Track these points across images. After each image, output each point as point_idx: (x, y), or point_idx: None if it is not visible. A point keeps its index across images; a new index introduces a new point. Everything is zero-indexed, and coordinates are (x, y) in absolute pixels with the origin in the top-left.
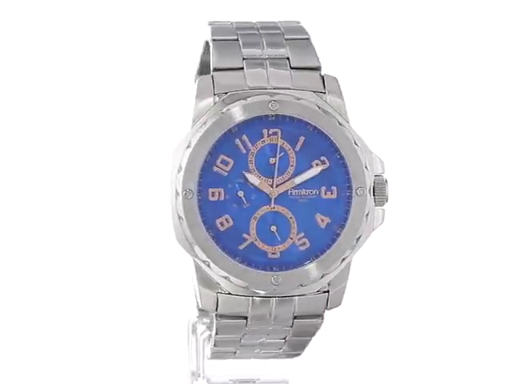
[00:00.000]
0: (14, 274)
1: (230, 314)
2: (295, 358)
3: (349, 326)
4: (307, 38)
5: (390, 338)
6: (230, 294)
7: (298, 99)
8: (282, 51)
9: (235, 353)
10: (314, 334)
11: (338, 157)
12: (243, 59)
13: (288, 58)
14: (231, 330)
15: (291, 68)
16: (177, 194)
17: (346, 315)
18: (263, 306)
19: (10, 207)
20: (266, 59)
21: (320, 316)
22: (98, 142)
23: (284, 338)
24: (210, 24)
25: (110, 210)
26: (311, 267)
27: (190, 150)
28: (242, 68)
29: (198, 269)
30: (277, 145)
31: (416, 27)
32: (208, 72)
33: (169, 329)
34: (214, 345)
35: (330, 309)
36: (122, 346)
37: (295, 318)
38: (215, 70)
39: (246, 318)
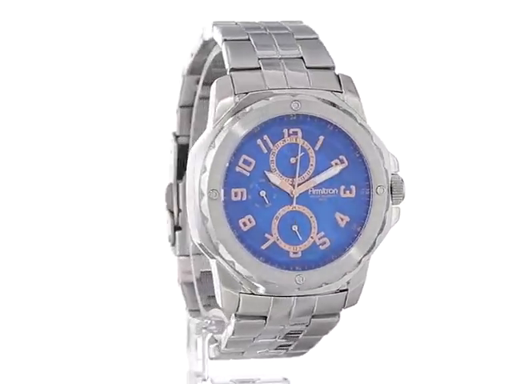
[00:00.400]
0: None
1: (251, 314)
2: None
3: (348, 325)
4: (316, 38)
5: (391, 338)
6: (252, 293)
7: (318, 99)
8: (295, 51)
9: (243, 353)
10: (327, 332)
11: (358, 156)
12: (259, 59)
13: (302, 58)
14: (249, 330)
15: (307, 68)
16: (202, 194)
17: (345, 315)
18: (284, 306)
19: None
20: (280, 59)
21: (337, 314)
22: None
23: (297, 337)
24: (216, 24)
25: (108, 209)
26: (333, 266)
27: (214, 150)
28: (259, 68)
29: (220, 269)
30: (297, 144)
31: (411, 24)
32: (199, 72)
33: (163, 330)
34: (226, 346)
35: (346, 307)
36: (119, 347)
37: (313, 316)
38: (232, 70)
39: (265, 317)
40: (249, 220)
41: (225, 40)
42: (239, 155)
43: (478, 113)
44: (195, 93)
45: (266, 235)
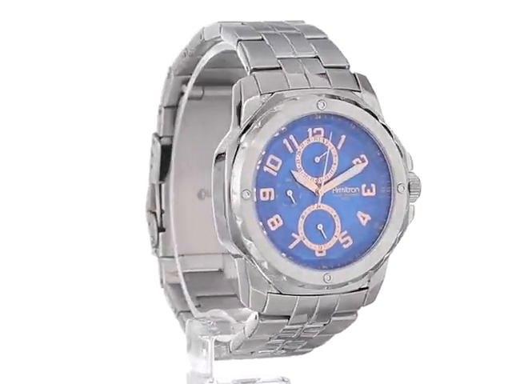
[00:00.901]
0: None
1: (276, 313)
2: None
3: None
4: (326, 38)
5: (391, 337)
6: (279, 293)
7: (341, 98)
8: (310, 51)
9: (252, 353)
10: (342, 331)
11: (379, 154)
12: (278, 59)
13: (318, 58)
14: (269, 329)
15: (325, 68)
16: (233, 194)
17: None
18: (309, 305)
19: None
20: (298, 59)
21: (355, 312)
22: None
23: (311, 337)
24: (223, 24)
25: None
26: (357, 265)
27: (245, 150)
28: (280, 68)
29: (249, 269)
30: (321, 143)
31: (405, 23)
32: (190, 72)
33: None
34: (240, 346)
35: (365, 305)
36: (117, 349)
37: (334, 315)
38: (254, 70)
39: (288, 317)
40: (277, 220)
41: (240, 40)
42: (267, 155)
43: (479, 111)
44: (181, 93)
45: (293, 234)
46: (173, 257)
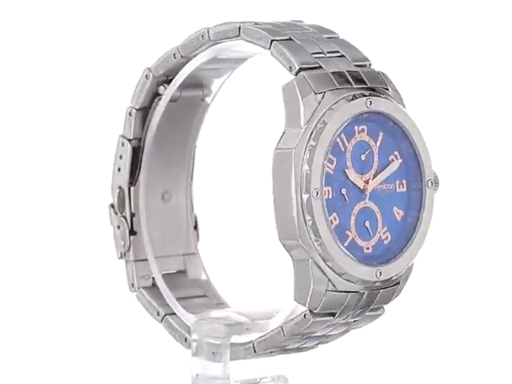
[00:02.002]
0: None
1: (328, 311)
2: (293, 357)
3: None
4: (338, 36)
5: (391, 337)
6: (335, 291)
7: (381, 96)
8: (335, 50)
9: (271, 352)
10: (363, 326)
11: (411, 151)
12: (315, 58)
13: (344, 56)
14: (315, 327)
15: (354, 66)
16: (305, 193)
17: None
18: (355, 301)
19: None
20: (329, 58)
21: (382, 307)
22: None
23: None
24: (241, 23)
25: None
26: (400, 260)
27: (315, 149)
28: (320, 66)
29: (313, 268)
30: (365, 141)
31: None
32: (175, 74)
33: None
34: (272, 347)
35: (393, 300)
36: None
37: (370, 310)
38: (301, 69)
39: (334, 314)
40: (334, 218)
41: (274, 40)
42: (327, 154)
43: (479, 111)
44: (155, 94)
45: (347, 232)
46: (145, 260)
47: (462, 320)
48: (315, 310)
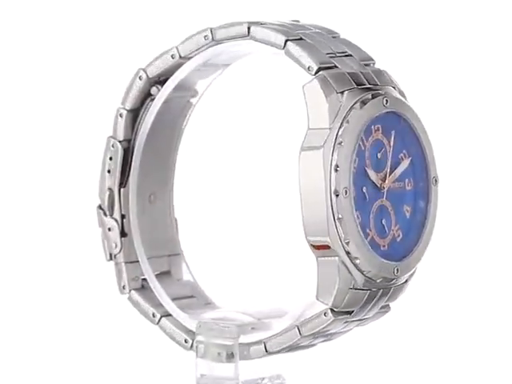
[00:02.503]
0: None
1: (348, 309)
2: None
3: None
4: (339, 35)
5: (389, 337)
6: (357, 288)
7: (394, 95)
8: (343, 49)
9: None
10: (368, 324)
11: (419, 150)
12: (330, 57)
13: (351, 55)
14: (334, 325)
15: (363, 65)
16: (335, 193)
17: None
18: (371, 299)
19: None
20: (340, 57)
21: (389, 305)
22: None
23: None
24: (250, 23)
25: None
26: (413, 257)
27: (343, 148)
28: (336, 66)
29: (341, 267)
30: (380, 140)
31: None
32: (170, 74)
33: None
34: (286, 346)
35: (399, 297)
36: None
37: (381, 307)
38: (320, 69)
39: (351, 312)
40: (357, 216)
41: (288, 40)
42: (353, 153)
43: (479, 110)
44: (147, 95)
45: (367, 230)
46: (136, 261)
47: (461, 320)
48: (337, 308)
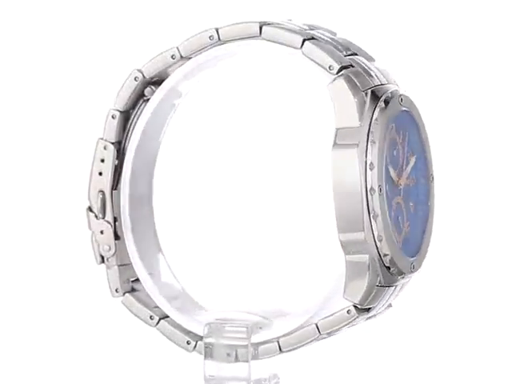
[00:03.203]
0: None
1: (371, 305)
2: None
3: None
4: (336, 35)
5: (387, 336)
6: (382, 285)
7: (405, 93)
8: (349, 49)
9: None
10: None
11: (421, 146)
12: (345, 56)
13: (356, 54)
14: (354, 322)
15: (372, 64)
16: (372, 191)
17: None
18: (389, 294)
19: None
20: (351, 56)
21: (391, 303)
22: None
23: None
24: (262, 23)
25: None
26: (421, 252)
27: (376, 146)
28: (353, 65)
29: (370, 263)
30: (394, 138)
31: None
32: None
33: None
34: (301, 344)
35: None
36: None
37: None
38: (342, 68)
39: (369, 309)
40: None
41: (306, 40)
42: (383, 151)
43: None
44: (140, 96)
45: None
46: (128, 264)
47: (461, 320)
48: (362, 305)
